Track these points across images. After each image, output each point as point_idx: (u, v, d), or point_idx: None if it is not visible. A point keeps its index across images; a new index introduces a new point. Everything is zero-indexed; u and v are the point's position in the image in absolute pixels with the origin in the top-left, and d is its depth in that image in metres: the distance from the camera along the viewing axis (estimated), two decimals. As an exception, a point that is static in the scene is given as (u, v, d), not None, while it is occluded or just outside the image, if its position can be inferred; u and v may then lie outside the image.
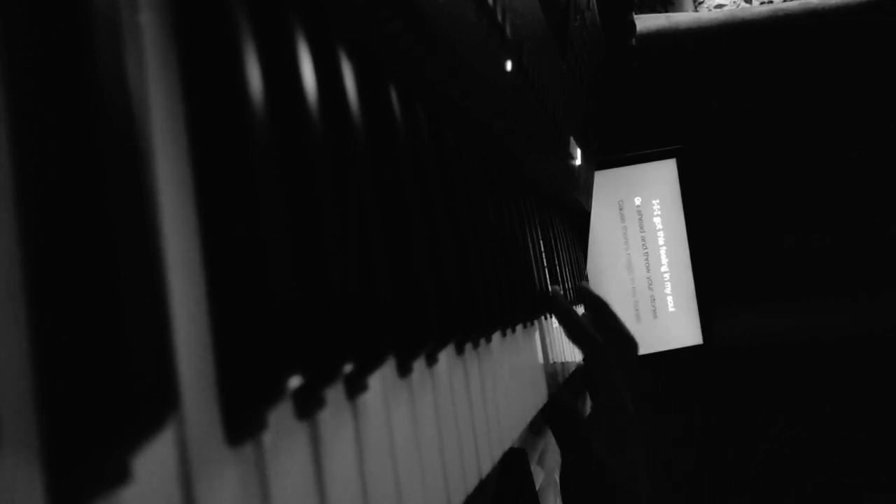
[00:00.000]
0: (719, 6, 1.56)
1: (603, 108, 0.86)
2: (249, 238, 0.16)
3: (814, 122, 1.08)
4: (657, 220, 0.97)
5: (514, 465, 0.48)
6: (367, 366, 0.22)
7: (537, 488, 0.53)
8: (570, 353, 0.65)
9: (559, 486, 0.53)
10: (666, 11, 1.33)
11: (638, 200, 0.97)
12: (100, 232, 0.12)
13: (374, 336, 0.22)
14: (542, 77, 0.47)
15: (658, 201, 0.97)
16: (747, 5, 1.41)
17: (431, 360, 0.29)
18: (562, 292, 0.61)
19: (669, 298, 0.97)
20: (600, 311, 0.66)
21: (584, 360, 0.60)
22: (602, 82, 0.87)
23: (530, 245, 0.52)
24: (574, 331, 0.57)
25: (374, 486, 0.22)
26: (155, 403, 0.13)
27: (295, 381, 0.18)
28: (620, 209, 0.97)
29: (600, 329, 0.62)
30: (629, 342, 0.64)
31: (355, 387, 0.22)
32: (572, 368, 0.65)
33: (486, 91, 0.35)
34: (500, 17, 0.35)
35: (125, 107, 0.13)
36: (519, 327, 0.46)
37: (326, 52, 0.23)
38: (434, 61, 0.29)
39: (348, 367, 0.21)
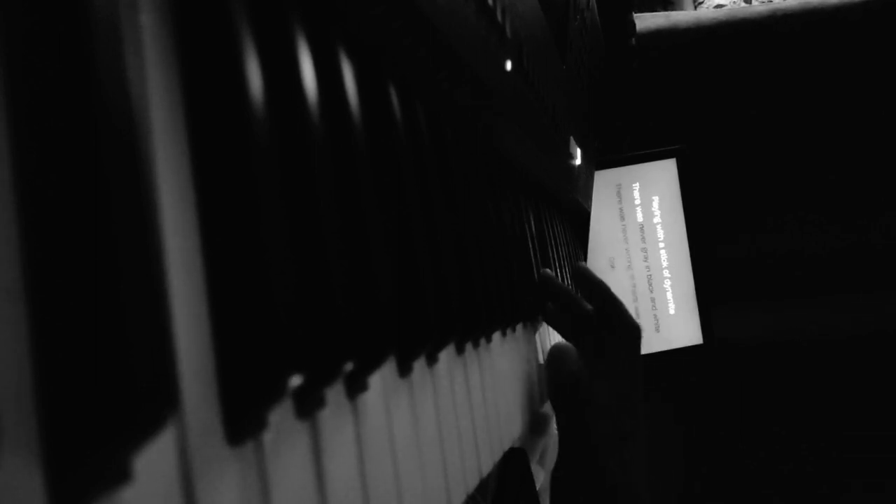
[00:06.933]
0: (719, 6, 1.57)
1: (603, 108, 0.86)
2: (250, 237, 0.16)
3: (814, 121, 1.08)
4: (657, 220, 0.97)
5: (514, 465, 0.48)
6: (368, 365, 0.22)
7: (537, 488, 0.53)
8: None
9: (549, 486, 0.51)
10: (666, 11, 1.33)
11: (637, 200, 0.97)
12: (100, 231, 0.12)
13: (374, 335, 0.22)
14: (542, 77, 0.47)
15: (658, 201, 0.97)
16: (747, 5, 1.41)
17: (432, 360, 0.29)
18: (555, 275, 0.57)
19: (669, 298, 0.97)
20: (598, 291, 0.57)
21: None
22: (602, 82, 0.87)
23: (530, 244, 0.52)
24: (571, 298, 0.53)
25: (374, 486, 0.22)
26: (155, 403, 0.13)
27: (295, 381, 0.18)
28: (620, 209, 0.97)
29: (598, 311, 0.55)
30: (632, 328, 0.55)
31: (356, 386, 0.22)
32: None
33: (485, 91, 0.35)
34: (500, 17, 0.34)
35: (125, 106, 0.13)
36: (519, 326, 0.46)
37: (326, 52, 0.23)
38: (434, 61, 0.29)
39: (348, 367, 0.21)
